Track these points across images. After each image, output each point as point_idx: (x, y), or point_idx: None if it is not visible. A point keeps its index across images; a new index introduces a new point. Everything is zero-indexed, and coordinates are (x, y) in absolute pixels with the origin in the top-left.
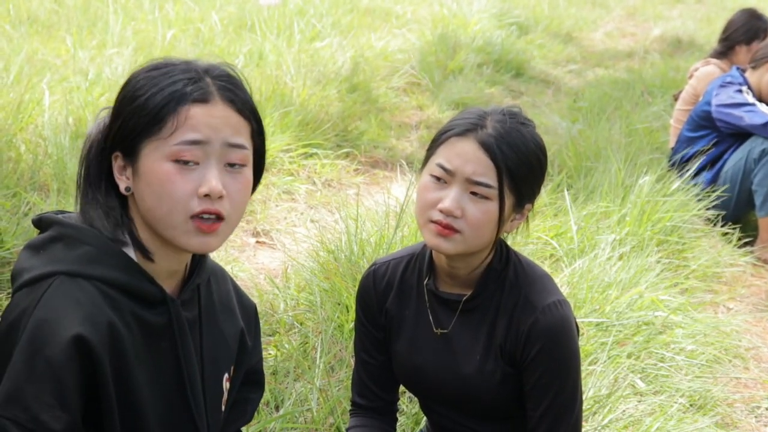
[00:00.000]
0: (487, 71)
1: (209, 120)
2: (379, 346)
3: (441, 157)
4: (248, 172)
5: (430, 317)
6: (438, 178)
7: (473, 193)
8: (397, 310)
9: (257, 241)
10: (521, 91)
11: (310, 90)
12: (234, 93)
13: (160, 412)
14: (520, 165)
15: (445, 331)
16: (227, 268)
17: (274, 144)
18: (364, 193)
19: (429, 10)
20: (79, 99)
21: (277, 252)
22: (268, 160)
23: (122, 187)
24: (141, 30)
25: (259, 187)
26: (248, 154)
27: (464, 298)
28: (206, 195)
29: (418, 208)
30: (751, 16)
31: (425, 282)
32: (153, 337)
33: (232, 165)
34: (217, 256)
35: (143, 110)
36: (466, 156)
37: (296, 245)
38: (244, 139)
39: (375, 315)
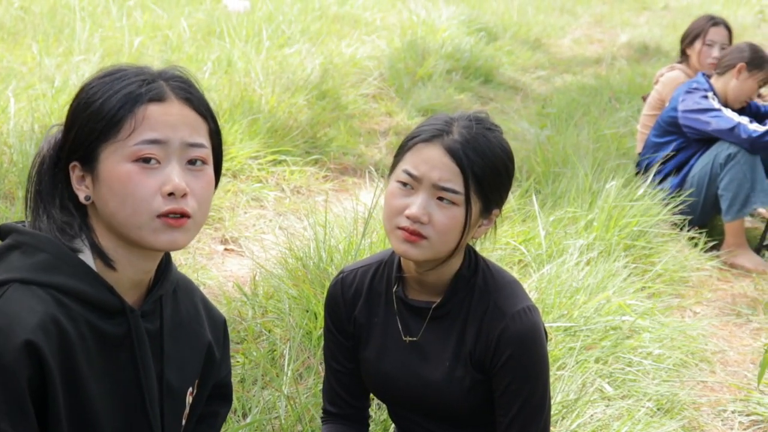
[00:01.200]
0: (456, 77)
1: (166, 119)
2: (348, 354)
3: (407, 163)
4: (209, 170)
5: (399, 325)
6: (405, 184)
7: (440, 199)
8: (365, 318)
9: (225, 249)
10: (490, 98)
11: (279, 97)
12: (189, 92)
13: (117, 425)
14: (486, 170)
15: (415, 339)
16: (195, 276)
17: (242, 151)
18: (332, 199)
19: (398, 17)
20: (45, 107)
21: (246, 259)
22: (237, 167)
23: (81, 197)
24: (108, 37)
25: (228, 195)
26: (207, 152)
27: (433, 305)
28: (170, 194)
29: (385, 214)
30: (698, 18)
31: (394, 289)
32: (111, 348)
33: (193, 163)
34: (184, 263)
35: (99, 115)
36: (433, 162)
37: (265, 252)
38: (203, 138)
39: (343, 323)
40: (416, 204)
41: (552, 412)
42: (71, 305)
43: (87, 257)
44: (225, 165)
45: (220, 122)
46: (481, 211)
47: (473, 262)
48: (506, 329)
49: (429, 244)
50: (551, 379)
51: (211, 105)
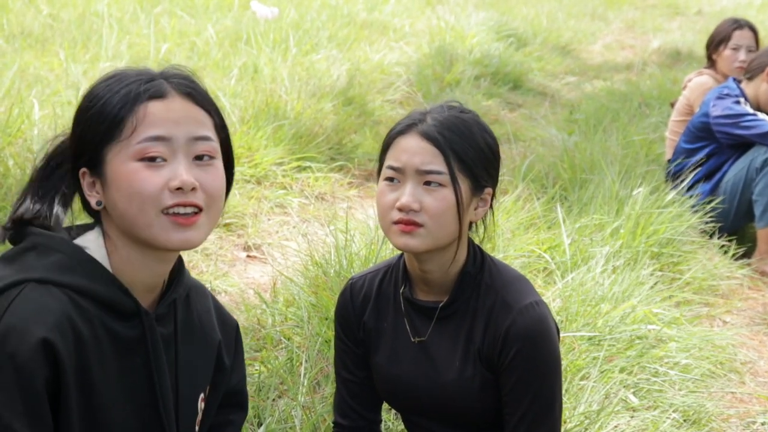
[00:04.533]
0: (485, 84)
1: (169, 115)
2: (359, 363)
3: (390, 158)
4: (219, 164)
5: (407, 326)
6: (391, 179)
7: (427, 184)
8: (374, 323)
9: (248, 255)
10: (518, 104)
11: (305, 103)
12: (191, 87)
13: (130, 428)
14: (465, 147)
15: (423, 339)
16: (216, 283)
17: (267, 157)
18: (356, 206)
19: (426, 23)
20: (69, 114)
21: (268, 266)
22: (261, 173)
23: (93, 202)
24: (135, 44)
25: (252, 201)
26: (215, 146)
27: (441, 304)
28: (178, 189)
29: (378, 215)
30: (722, 22)
31: (401, 290)
32: (125, 350)
33: (200, 158)
34: (206, 270)
35: (100, 116)
36: (412, 150)
37: (286, 260)
38: (209, 131)
39: (353, 330)
40: (405, 193)
41: (574, 423)
42: (87, 306)
43: (102, 259)
44: (249, 171)
45: (245, 128)
46: (472, 189)
47: (479, 259)
48: (514, 324)
49: (426, 232)
50: (574, 390)
51: (236, 111)
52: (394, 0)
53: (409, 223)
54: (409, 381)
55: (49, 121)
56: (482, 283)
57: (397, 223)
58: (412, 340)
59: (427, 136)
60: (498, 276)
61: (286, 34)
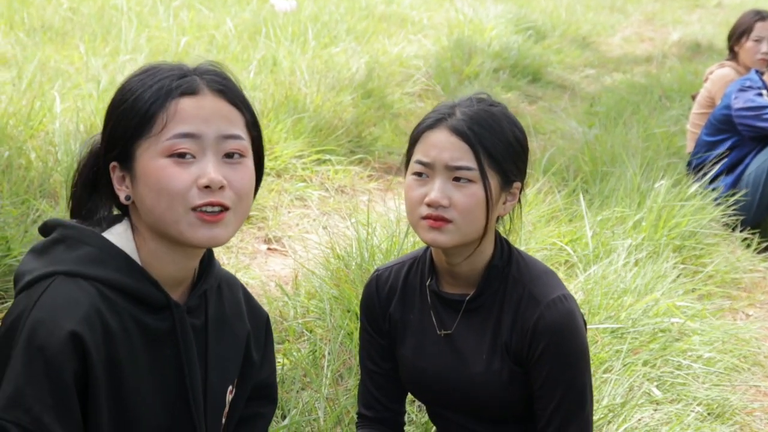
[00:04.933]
0: (504, 76)
1: (199, 112)
2: (385, 354)
3: (418, 153)
4: (249, 162)
5: (434, 319)
6: (420, 174)
7: (456, 180)
8: (400, 315)
9: (269, 248)
10: (538, 96)
11: (324, 96)
12: (223, 84)
13: (159, 420)
14: (495, 142)
15: (449, 332)
16: (238, 275)
17: (286, 150)
18: (377, 199)
19: (445, 15)
20: (90, 107)
21: (289, 259)
22: (281, 166)
23: (122, 197)
24: (155, 37)
25: (272, 194)
26: (245, 144)
27: (467, 297)
28: (206, 186)
29: (407, 209)
30: (744, 14)
31: (428, 283)
32: (155, 343)
33: (230, 156)
34: (227, 263)
35: (132, 111)
36: (441, 145)
37: (307, 252)
38: (239, 129)
39: (379, 321)
40: (434, 189)
41: (598, 416)
42: (116, 299)
43: (131, 252)
44: (269, 164)
45: (265, 121)
46: (501, 185)
47: (506, 252)
48: (541, 318)
49: (455, 228)
50: (597, 383)
51: (256, 104)
52: None
53: (438, 219)
54: (435, 373)
55: (71, 114)
56: (510, 277)
57: (425, 218)
58: (439, 332)
59: (457, 131)
60: (526, 270)
61: (305, 27)
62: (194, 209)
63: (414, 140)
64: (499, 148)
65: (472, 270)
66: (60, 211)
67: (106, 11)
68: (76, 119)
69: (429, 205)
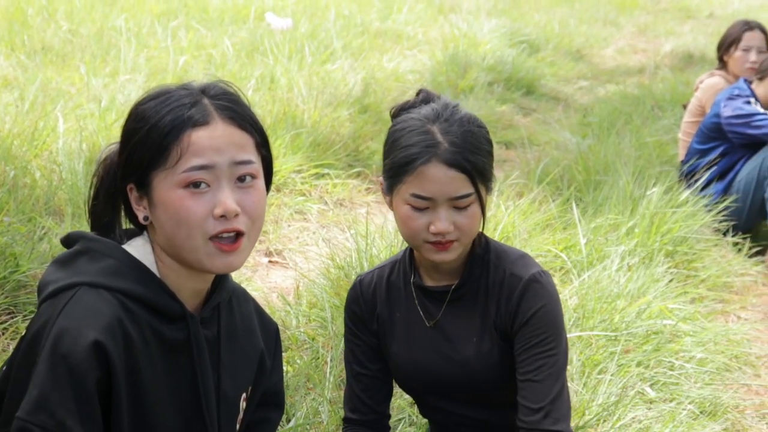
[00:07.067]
0: (498, 89)
1: (212, 142)
2: (371, 355)
3: (414, 187)
4: (260, 183)
5: (421, 312)
6: (418, 207)
7: (457, 206)
8: (388, 314)
9: (270, 261)
10: (532, 108)
11: (322, 111)
12: (233, 110)
13: (175, 428)
14: (481, 160)
15: (437, 319)
16: None
17: (285, 165)
18: (375, 211)
19: (440, 31)
20: (92, 125)
21: (290, 271)
22: (280, 180)
23: (141, 217)
24: (154, 57)
25: (272, 208)
26: (256, 167)
27: (452, 287)
28: (222, 216)
29: (407, 234)
30: (733, 24)
31: (411, 280)
32: (171, 352)
33: (242, 179)
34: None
35: (147, 142)
36: (441, 180)
37: (308, 263)
38: (250, 153)
39: (366, 322)
40: (440, 220)
41: (593, 415)
42: (135, 310)
43: (150, 265)
44: None
45: None
46: (487, 189)
47: (483, 240)
48: (525, 291)
49: (460, 244)
50: (592, 383)
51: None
52: (407, 9)
53: (445, 243)
54: (427, 363)
55: (74, 133)
56: (490, 262)
57: (432, 243)
58: (427, 324)
59: (453, 164)
60: (504, 255)
61: (301, 44)
62: (212, 238)
63: (401, 169)
64: (484, 164)
65: (456, 262)
66: (65, 227)
67: (106, 32)
68: (78, 138)
69: (436, 234)
